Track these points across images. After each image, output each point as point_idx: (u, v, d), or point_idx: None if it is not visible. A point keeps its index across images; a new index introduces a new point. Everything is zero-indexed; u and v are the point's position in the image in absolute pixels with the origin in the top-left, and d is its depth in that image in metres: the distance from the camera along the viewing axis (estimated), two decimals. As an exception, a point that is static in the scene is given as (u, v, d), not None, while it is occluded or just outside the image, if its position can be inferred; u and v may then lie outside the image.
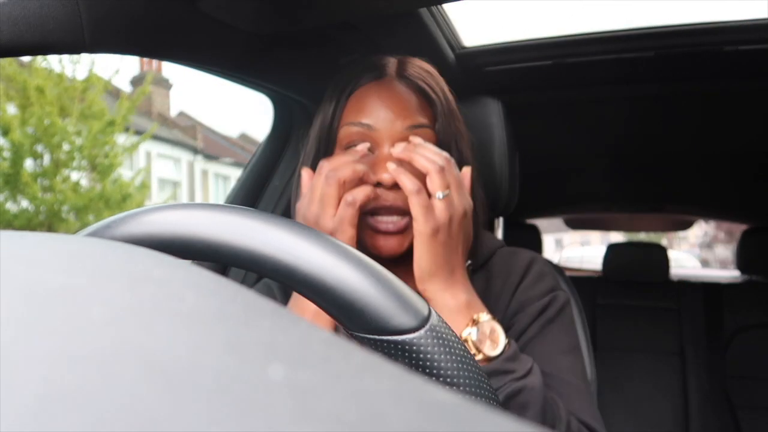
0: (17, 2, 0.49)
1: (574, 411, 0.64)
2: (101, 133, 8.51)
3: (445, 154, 0.63)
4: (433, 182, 0.61)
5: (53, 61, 8.61)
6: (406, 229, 0.65)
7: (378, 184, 0.64)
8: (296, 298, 0.65)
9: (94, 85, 8.57)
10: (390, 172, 0.62)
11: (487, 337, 0.60)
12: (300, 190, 0.70)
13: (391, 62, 0.71)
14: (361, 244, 0.67)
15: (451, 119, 0.69)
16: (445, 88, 0.71)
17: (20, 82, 7.70)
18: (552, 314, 0.70)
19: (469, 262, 0.71)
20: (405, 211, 0.64)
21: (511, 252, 0.78)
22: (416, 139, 0.65)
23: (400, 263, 0.68)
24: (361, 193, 0.61)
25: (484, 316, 0.61)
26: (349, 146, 0.66)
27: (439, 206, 0.60)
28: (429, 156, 0.61)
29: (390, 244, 0.65)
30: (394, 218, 0.65)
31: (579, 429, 0.62)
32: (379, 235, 0.65)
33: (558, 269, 0.96)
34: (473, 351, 0.60)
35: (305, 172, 0.69)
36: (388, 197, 0.64)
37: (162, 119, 16.85)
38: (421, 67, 0.71)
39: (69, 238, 0.20)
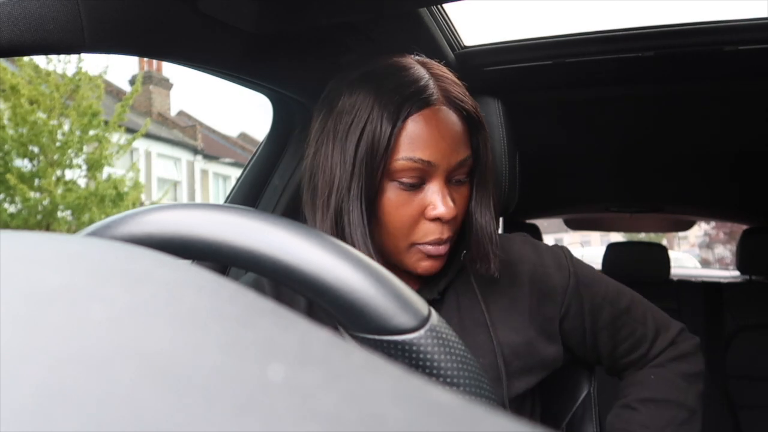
0: (17, 2, 0.49)
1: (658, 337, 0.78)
2: (89, 127, 8.43)
3: None
4: None
5: (41, 59, 8.56)
6: (444, 251, 0.67)
7: (436, 219, 0.64)
8: None
9: (84, 82, 8.52)
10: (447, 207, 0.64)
11: None
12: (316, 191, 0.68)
13: (432, 84, 0.66)
14: (403, 264, 0.68)
15: (486, 140, 0.70)
16: (473, 100, 0.69)
17: (4, 81, 7.64)
18: (586, 287, 0.76)
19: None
20: (451, 238, 0.67)
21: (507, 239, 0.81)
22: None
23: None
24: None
25: None
26: (402, 179, 0.64)
27: None
28: None
29: (435, 266, 0.67)
30: (446, 246, 0.67)
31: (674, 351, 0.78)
32: (429, 259, 0.67)
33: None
34: None
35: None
36: (444, 231, 0.65)
37: (162, 119, 16.86)
38: (455, 83, 0.68)
39: (69, 238, 0.20)
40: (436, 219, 0.64)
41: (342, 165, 0.64)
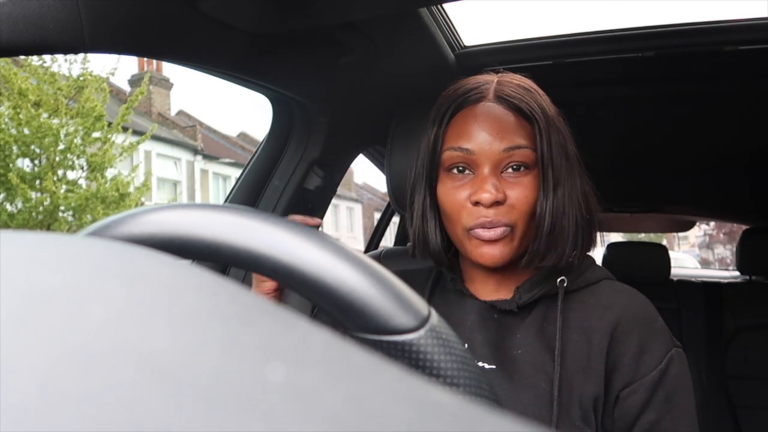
0: (17, 2, 0.49)
1: None
2: (93, 130, 8.42)
3: None
4: None
5: (46, 59, 8.55)
6: (508, 238, 0.68)
7: (477, 203, 0.68)
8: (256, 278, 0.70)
9: (89, 83, 8.52)
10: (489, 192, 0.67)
11: None
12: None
13: (489, 83, 0.73)
14: (468, 256, 0.71)
15: (552, 133, 0.71)
16: (546, 102, 0.73)
17: (14, 83, 7.65)
18: (672, 385, 0.66)
19: (563, 279, 0.72)
20: (507, 225, 0.68)
21: (618, 287, 0.76)
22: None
23: (498, 269, 0.71)
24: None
25: None
26: (451, 168, 0.71)
27: None
28: None
29: (492, 252, 0.68)
30: (497, 230, 0.68)
31: None
32: (483, 244, 0.69)
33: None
34: None
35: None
36: (489, 214, 0.67)
37: (162, 119, 16.86)
38: (519, 85, 0.73)
39: (69, 238, 0.20)
40: (478, 203, 0.68)
41: (415, 163, 0.77)
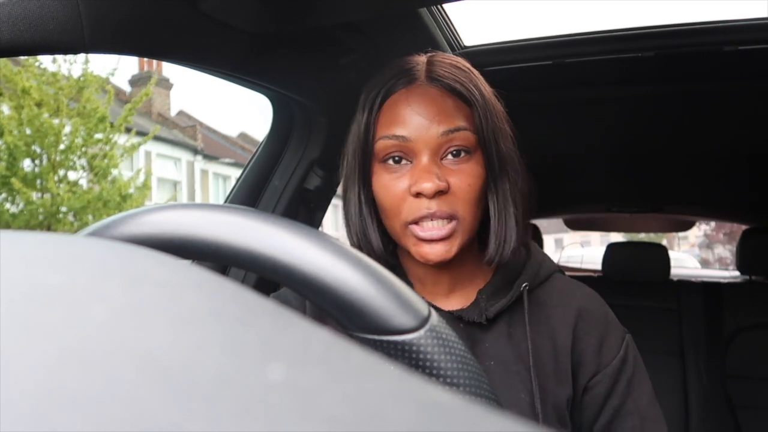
0: (17, 2, 0.49)
1: None
2: (94, 131, 8.44)
3: None
4: None
5: (47, 60, 8.57)
6: (453, 234, 0.64)
7: (419, 194, 0.63)
8: None
9: (89, 84, 8.53)
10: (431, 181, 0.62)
11: None
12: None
13: (420, 64, 0.68)
14: (409, 254, 0.66)
15: (490, 115, 0.66)
16: (481, 83, 0.68)
17: (16, 83, 7.68)
18: (630, 369, 0.69)
19: (526, 284, 0.70)
20: (451, 216, 0.63)
21: (567, 281, 0.75)
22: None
23: (448, 268, 0.68)
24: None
25: None
26: (386, 159, 0.66)
27: None
28: None
29: (436, 251, 0.63)
30: (438, 223, 0.63)
31: None
32: (424, 243, 0.64)
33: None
34: None
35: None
36: (432, 206, 0.62)
37: (162, 119, 16.86)
38: (452, 65, 0.68)
39: (69, 238, 0.20)
40: (419, 194, 0.63)
41: (346, 156, 0.70)
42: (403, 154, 0.65)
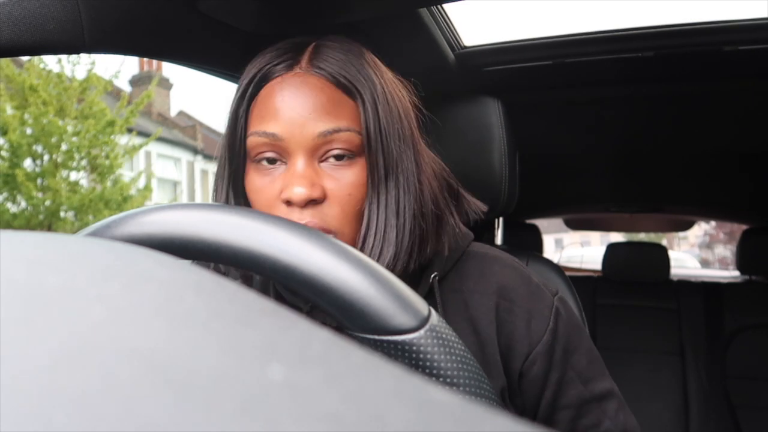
0: (17, 2, 0.49)
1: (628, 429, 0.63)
2: (101, 133, 8.49)
3: None
4: None
5: (51, 61, 8.60)
6: None
7: (288, 202, 0.55)
8: None
9: (93, 85, 8.55)
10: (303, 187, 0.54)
11: None
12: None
13: (305, 48, 0.59)
14: None
15: (383, 113, 0.57)
16: (379, 72, 0.59)
17: (18, 83, 7.70)
18: (564, 336, 0.62)
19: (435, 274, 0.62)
20: (325, 230, 0.55)
21: (481, 258, 0.66)
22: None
23: None
24: None
25: None
26: (259, 159, 0.57)
27: None
28: None
29: None
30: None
31: None
32: None
33: (558, 269, 0.96)
34: None
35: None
36: (303, 216, 0.55)
37: (162, 119, 16.86)
38: (342, 50, 0.59)
39: (69, 238, 0.20)
40: (289, 202, 0.55)
41: (220, 149, 0.61)
42: (277, 154, 0.56)
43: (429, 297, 0.62)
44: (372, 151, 0.57)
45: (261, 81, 0.58)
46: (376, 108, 0.57)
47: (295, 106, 0.55)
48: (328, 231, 0.55)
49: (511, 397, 0.62)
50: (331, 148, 0.56)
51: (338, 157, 0.56)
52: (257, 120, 0.57)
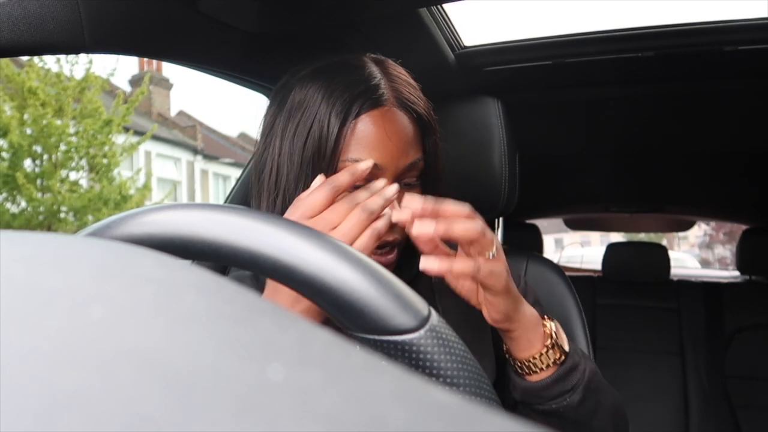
0: (17, 2, 0.49)
1: None
2: (99, 133, 8.49)
3: (467, 208, 0.55)
4: (482, 245, 0.54)
5: (50, 61, 8.61)
6: (393, 263, 0.64)
7: None
8: (271, 285, 0.58)
9: (91, 84, 8.56)
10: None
11: (561, 330, 0.61)
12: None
13: (384, 84, 0.64)
14: None
15: (435, 136, 0.66)
16: (426, 102, 0.66)
17: (18, 83, 7.70)
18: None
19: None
20: (392, 244, 0.63)
21: None
22: (413, 199, 0.54)
23: None
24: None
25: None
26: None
27: (497, 265, 0.55)
28: (464, 226, 0.53)
29: None
30: (383, 249, 0.63)
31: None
32: None
33: (558, 269, 0.96)
34: (553, 347, 0.59)
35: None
36: (389, 235, 0.61)
37: (162, 119, 16.86)
38: (410, 84, 0.66)
39: (69, 238, 0.20)
40: None
41: (289, 164, 0.62)
42: (365, 180, 0.60)
43: (428, 297, 0.63)
44: (432, 178, 0.66)
45: (357, 113, 0.61)
46: (435, 135, 0.66)
47: (393, 139, 0.61)
48: (395, 245, 0.63)
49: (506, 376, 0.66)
50: (409, 175, 0.64)
51: (408, 184, 0.64)
52: (354, 148, 0.60)
